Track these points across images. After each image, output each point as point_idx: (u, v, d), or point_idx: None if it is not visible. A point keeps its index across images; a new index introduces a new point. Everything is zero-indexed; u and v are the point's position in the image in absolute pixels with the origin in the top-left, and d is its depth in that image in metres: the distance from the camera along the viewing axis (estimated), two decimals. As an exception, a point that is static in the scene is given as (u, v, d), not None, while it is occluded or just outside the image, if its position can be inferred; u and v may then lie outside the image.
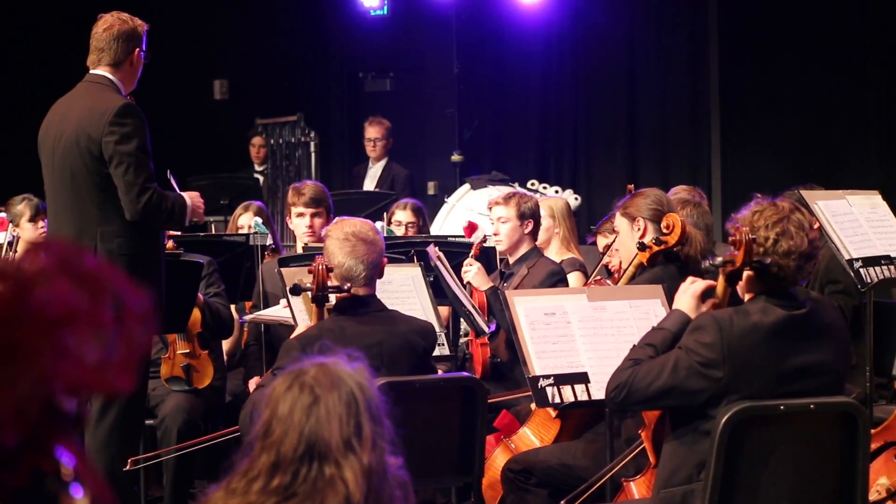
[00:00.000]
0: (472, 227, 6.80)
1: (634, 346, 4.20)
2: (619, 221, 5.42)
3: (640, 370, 4.01)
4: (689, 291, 4.20)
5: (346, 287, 4.75)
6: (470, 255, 6.40)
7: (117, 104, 5.23)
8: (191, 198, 5.44)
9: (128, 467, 5.34)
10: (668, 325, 4.18)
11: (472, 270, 6.30)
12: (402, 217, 7.52)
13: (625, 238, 5.40)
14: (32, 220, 7.11)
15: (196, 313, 6.04)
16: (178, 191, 5.47)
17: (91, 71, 5.41)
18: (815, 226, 5.74)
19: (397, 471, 2.44)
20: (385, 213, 7.79)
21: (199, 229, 9.04)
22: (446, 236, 7.72)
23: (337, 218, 5.11)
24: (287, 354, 4.60)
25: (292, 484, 2.36)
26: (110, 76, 5.37)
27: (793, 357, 3.96)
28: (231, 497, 2.40)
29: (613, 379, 4.07)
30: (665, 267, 5.18)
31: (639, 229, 5.32)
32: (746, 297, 4.08)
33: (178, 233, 6.82)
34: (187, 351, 6.11)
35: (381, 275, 4.85)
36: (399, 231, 7.42)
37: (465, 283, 6.32)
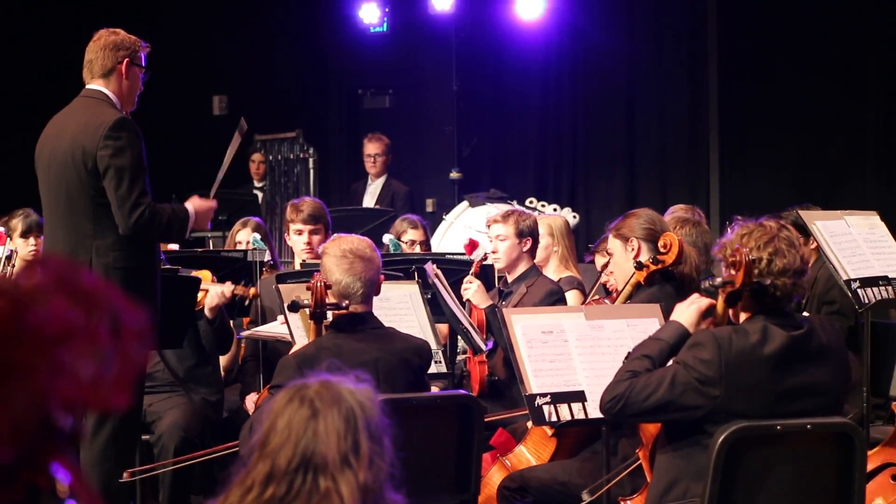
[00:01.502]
0: (472, 245, 6.80)
1: (630, 354, 4.20)
2: (613, 243, 5.43)
3: (638, 383, 4.01)
4: (693, 306, 4.20)
5: (344, 304, 4.75)
6: (470, 272, 6.39)
7: (112, 118, 5.23)
8: (195, 206, 5.43)
9: (125, 479, 5.36)
10: (665, 335, 4.18)
11: (472, 288, 6.29)
12: (414, 236, 7.53)
13: (619, 259, 5.40)
14: (24, 235, 7.02)
15: None
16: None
17: (87, 86, 5.43)
18: (813, 245, 5.77)
19: (395, 496, 2.44)
20: (391, 229, 7.78)
21: (197, 245, 9.04)
22: (444, 254, 7.72)
23: (334, 235, 5.11)
24: (283, 372, 4.60)
25: (286, 496, 2.35)
26: (104, 90, 5.38)
27: (790, 377, 3.97)
28: None
29: (609, 390, 4.07)
30: (662, 286, 5.17)
31: (632, 249, 5.32)
32: (742, 316, 4.08)
33: (176, 247, 6.83)
34: None
35: (377, 292, 4.85)
36: (407, 248, 7.44)
37: (464, 300, 6.31)
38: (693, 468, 3.99)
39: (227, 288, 6.19)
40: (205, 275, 6.23)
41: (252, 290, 6.25)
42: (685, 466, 4.02)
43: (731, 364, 3.91)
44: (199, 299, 6.13)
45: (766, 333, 3.96)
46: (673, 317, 4.25)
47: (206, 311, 6.20)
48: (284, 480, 2.36)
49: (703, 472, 3.91)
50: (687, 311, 4.21)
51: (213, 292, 6.18)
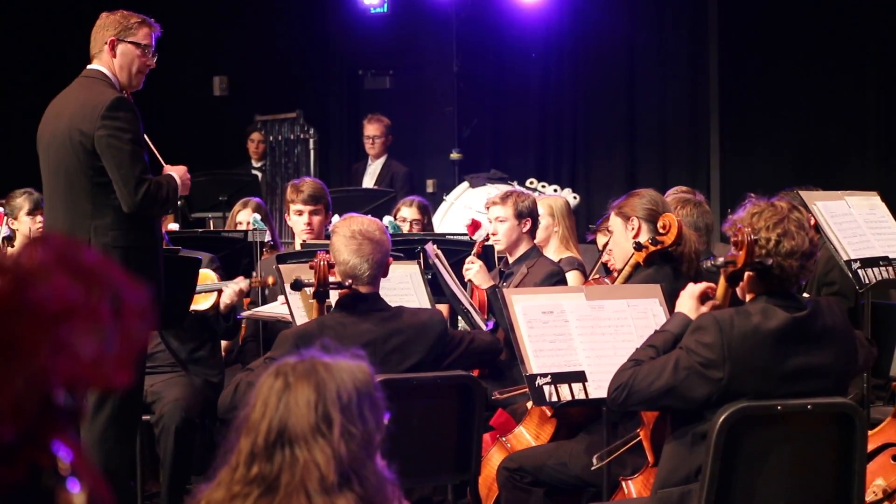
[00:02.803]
0: (475, 225, 6.79)
1: (637, 349, 4.21)
2: (614, 221, 5.42)
3: (641, 370, 4.01)
4: (688, 293, 4.22)
5: (347, 283, 4.75)
6: (472, 253, 6.39)
7: (109, 98, 5.22)
8: (178, 173, 5.41)
9: None
10: (670, 327, 4.20)
11: (474, 268, 6.29)
12: (407, 214, 7.54)
13: (619, 238, 5.39)
14: (31, 213, 7.12)
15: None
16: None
17: (87, 66, 5.42)
18: (812, 223, 5.77)
19: (383, 470, 2.45)
20: (392, 210, 7.80)
21: (198, 225, 9.05)
22: (445, 234, 7.72)
23: (346, 214, 5.11)
24: (281, 345, 4.60)
25: (271, 472, 2.37)
26: (103, 69, 5.37)
27: (793, 358, 3.96)
28: (216, 489, 2.42)
29: (615, 379, 4.08)
30: (660, 267, 5.17)
31: (633, 229, 5.31)
32: (747, 297, 4.08)
33: (177, 227, 6.82)
34: None
35: (385, 274, 4.84)
36: (404, 227, 7.44)
37: (466, 280, 6.31)
38: (697, 458, 3.98)
39: (244, 283, 6.15)
40: (208, 276, 6.17)
41: (271, 279, 6.20)
42: (690, 454, 4.02)
43: (734, 346, 3.91)
44: (209, 305, 6.09)
45: (768, 314, 3.95)
46: (676, 308, 4.26)
47: (222, 308, 6.16)
48: (266, 456, 2.39)
49: (705, 456, 3.91)
50: (685, 299, 4.22)
51: (229, 291, 6.12)
